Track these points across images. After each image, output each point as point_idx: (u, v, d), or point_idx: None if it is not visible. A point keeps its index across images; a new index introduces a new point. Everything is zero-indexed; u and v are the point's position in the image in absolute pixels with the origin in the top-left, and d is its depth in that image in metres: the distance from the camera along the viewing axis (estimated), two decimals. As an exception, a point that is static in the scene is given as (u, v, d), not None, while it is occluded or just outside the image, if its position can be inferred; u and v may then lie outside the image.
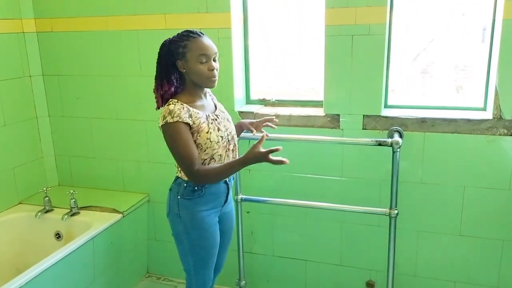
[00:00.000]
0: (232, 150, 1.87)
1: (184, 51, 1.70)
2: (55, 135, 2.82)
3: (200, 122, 1.72)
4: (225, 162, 1.79)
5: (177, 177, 1.86)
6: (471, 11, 2.31)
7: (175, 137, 1.68)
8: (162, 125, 1.70)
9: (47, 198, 2.54)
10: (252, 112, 2.39)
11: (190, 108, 1.72)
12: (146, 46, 2.47)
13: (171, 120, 1.66)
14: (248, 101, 2.55)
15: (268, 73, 2.69)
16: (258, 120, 2.10)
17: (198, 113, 1.73)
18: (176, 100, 1.72)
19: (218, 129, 1.78)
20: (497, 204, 2.12)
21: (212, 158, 1.78)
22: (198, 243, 1.86)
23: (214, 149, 1.77)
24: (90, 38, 2.57)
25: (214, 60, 1.74)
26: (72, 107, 2.73)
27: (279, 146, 1.63)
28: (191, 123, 1.69)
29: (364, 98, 2.19)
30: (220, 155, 1.80)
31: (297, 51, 2.62)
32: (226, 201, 1.91)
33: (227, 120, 1.88)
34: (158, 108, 1.80)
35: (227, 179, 1.87)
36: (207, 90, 1.91)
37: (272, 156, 1.64)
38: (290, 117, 2.34)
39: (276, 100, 2.51)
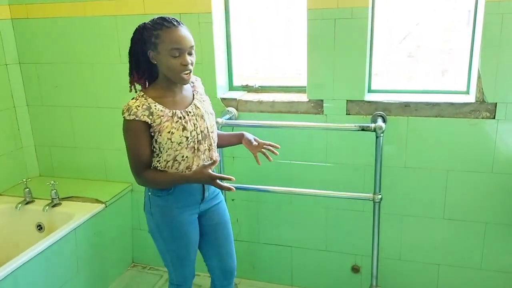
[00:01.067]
0: (207, 150, 1.73)
1: (156, 41, 1.57)
2: (35, 125, 2.76)
3: (161, 121, 1.61)
4: (173, 172, 1.68)
5: None
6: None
7: (127, 135, 1.64)
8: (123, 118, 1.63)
9: (27, 189, 2.49)
10: (235, 99, 2.36)
11: (153, 105, 1.60)
12: (125, 32, 2.39)
13: (128, 118, 1.60)
14: (231, 87, 2.51)
15: (251, 59, 2.65)
16: (262, 142, 1.87)
17: (162, 110, 1.61)
18: (142, 94, 1.64)
19: (184, 129, 1.63)
20: (480, 187, 2.13)
21: (175, 159, 1.66)
22: (171, 241, 1.79)
23: (176, 150, 1.64)
24: (67, 25, 2.50)
25: (190, 54, 1.60)
26: (51, 95, 2.66)
27: (231, 177, 1.63)
28: (150, 122, 1.59)
29: (347, 83, 2.16)
30: (186, 156, 1.67)
31: (281, 36, 2.58)
32: (203, 198, 1.79)
33: (201, 116, 1.70)
34: (130, 91, 1.71)
35: None
36: (192, 79, 1.80)
37: (220, 182, 1.60)
38: (273, 103, 2.31)
39: (259, 86, 2.48)
